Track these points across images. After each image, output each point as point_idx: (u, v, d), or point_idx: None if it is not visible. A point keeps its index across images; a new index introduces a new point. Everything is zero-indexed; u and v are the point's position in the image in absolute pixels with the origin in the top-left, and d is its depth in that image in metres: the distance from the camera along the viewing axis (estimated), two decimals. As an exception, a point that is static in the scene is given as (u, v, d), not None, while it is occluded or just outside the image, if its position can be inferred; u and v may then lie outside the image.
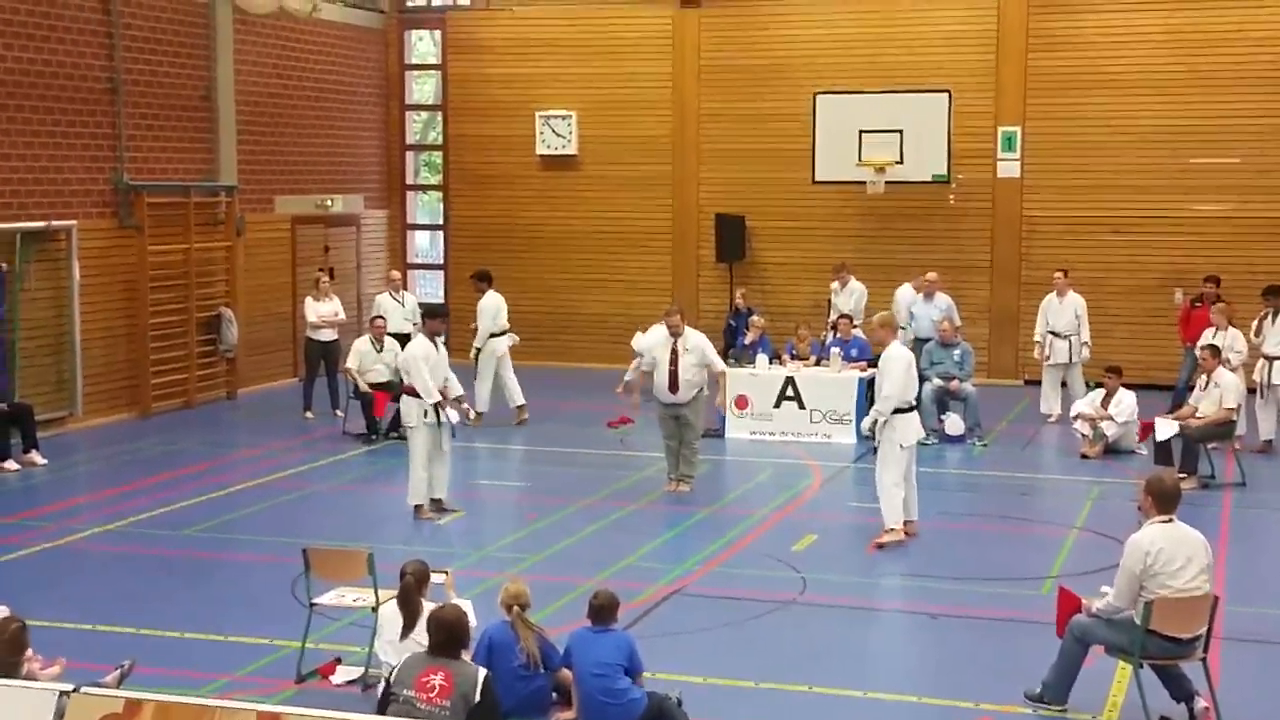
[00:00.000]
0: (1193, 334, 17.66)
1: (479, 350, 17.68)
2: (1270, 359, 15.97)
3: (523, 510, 13.38)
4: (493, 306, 17.78)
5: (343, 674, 8.86)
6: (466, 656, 8.26)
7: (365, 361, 16.89)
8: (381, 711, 6.82)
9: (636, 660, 8.19)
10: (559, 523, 13.00)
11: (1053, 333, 18.02)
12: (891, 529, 12.14)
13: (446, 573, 9.03)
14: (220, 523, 13.01)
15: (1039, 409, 18.20)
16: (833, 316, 18.75)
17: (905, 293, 18.55)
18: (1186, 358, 17.82)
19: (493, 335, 17.67)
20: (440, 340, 13.20)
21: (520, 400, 17.67)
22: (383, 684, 7.19)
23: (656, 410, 14.28)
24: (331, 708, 6.73)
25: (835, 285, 19.47)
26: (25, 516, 13.17)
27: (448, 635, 7.07)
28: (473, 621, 8.53)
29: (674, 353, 13.90)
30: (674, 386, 13.88)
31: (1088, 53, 20.79)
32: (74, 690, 4.64)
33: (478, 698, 6.87)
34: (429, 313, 13.48)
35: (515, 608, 8.23)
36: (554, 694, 8.39)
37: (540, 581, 10.93)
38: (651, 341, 14.35)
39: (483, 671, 7.18)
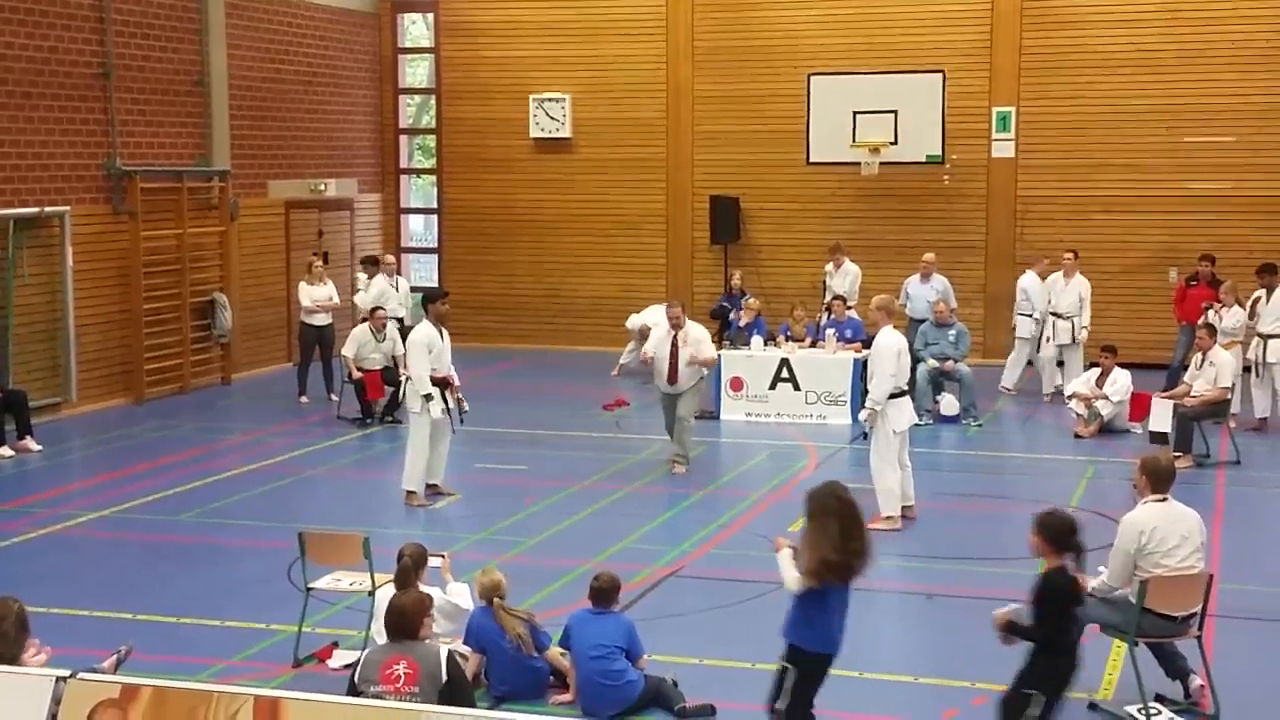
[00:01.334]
0: (1188, 312, 17.69)
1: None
2: (1265, 337, 16.00)
3: (520, 493, 13.39)
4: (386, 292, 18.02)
5: (340, 658, 8.87)
6: (456, 641, 8.28)
7: (364, 350, 16.88)
8: None
9: (636, 643, 8.23)
10: (556, 505, 13.01)
11: (1055, 313, 17.99)
12: (889, 516, 12.13)
13: (444, 556, 9.04)
14: (216, 508, 13.01)
15: (1039, 388, 18.20)
16: (828, 298, 18.74)
17: (1030, 280, 18.26)
18: (1182, 336, 17.85)
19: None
20: (443, 325, 13.03)
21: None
22: (348, 683, 7.15)
23: (657, 396, 14.59)
24: (329, 692, 6.75)
25: (830, 266, 19.47)
26: (20, 503, 13.17)
27: (406, 621, 7.04)
28: (469, 605, 8.58)
29: (674, 345, 14.09)
30: (673, 377, 14.12)
31: (1082, 32, 20.76)
32: (70, 676, 4.63)
33: (444, 676, 6.88)
34: (430, 297, 13.13)
35: (494, 599, 8.26)
36: (550, 676, 8.42)
37: (537, 564, 10.97)
38: (652, 323, 14.57)
39: (444, 649, 7.19)
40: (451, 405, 12.95)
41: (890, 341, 12.22)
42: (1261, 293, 16.24)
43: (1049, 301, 18.07)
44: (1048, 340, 18.07)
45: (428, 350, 12.64)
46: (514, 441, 15.81)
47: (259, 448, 15.54)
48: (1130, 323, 19.98)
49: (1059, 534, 6.85)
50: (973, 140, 20.99)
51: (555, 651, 8.37)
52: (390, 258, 20.31)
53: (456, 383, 13.05)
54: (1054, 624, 6.77)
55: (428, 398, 12.62)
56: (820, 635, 6.98)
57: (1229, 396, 14.93)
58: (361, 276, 18.82)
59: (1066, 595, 6.80)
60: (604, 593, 8.29)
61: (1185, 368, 16.67)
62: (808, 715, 7.08)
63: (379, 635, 8.28)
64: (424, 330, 12.79)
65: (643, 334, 19.75)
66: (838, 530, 6.88)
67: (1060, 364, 18.15)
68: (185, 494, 13.52)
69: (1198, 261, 18.08)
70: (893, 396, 12.14)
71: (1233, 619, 9.41)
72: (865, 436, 12.82)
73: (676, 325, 14.16)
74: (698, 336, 14.25)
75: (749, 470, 14.83)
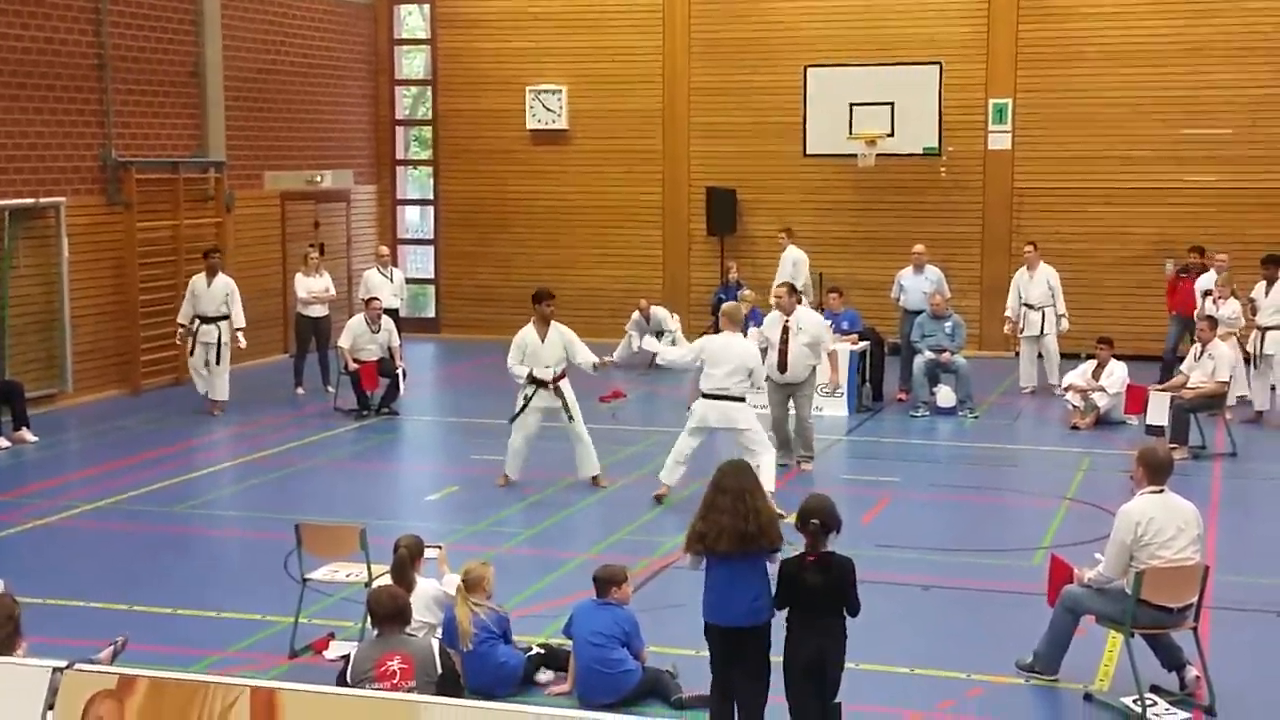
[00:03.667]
0: (1178, 303, 17.80)
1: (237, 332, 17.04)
2: (1264, 329, 15.99)
3: (516, 485, 13.38)
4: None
5: (336, 649, 8.84)
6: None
7: (359, 341, 16.83)
8: None
9: (637, 635, 8.24)
10: (552, 497, 13.01)
11: (1027, 305, 18.03)
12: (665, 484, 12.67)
13: (440, 547, 9.04)
14: (212, 499, 13.01)
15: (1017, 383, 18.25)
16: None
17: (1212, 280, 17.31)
18: (1172, 326, 17.95)
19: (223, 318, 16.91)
20: (549, 324, 13.18)
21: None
22: (337, 679, 7.13)
23: (768, 387, 13.94)
24: (325, 683, 6.74)
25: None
26: (16, 494, 13.16)
27: (389, 614, 7.04)
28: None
29: (785, 331, 13.69)
30: (783, 366, 13.69)
31: (1079, 24, 20.75)
32: (67, 667, 4.62)
33: (438, 669, 6.89)
34: (535, 297, 13.44)
35: (459, 583, 8.26)
36: (537, 670, 8.39)
37: (535, 556, 10.98)
38: (767, 323, 14.28)
39: (434, 640, 7.21)
40: (538, 403, 13.15)
41: (725, 341, 12.46)
42: (1262, 284, 16.23)
43: (1020, 295, 18.09)
44: (1021, 332, 18.11)
45: (520, 349, 13.12)
46: (510, 433, 15.80)
47: (255, 439, 15.53)
48: (1126, 314, 19.99)
49: (799, 519, 7.26)
50: (969, 132, 20.99)
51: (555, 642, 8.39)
52: (385, 249, 20.29)
53: (552, 379, 13.16)
54: (778, 603, 7.18)
55: (538, 385, 13.06)
56: (705, 602, 7.28)
57: (1226, 389, 14.95)
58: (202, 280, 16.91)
59: (779, 577, 7.16)
60: (604, 583, 8.33)
61: (1179, 358, 16.72)
62: (718, 685, 7.33)
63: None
64: (522, 331, 13.26)
65: (639, 326, 19.78)
66: (708, 502, 7.21)
67: (1040, 356, 18.14)
68: (181, 485, 13.51)
69: (1188, 253, 18.11)
70: (724, 399, 12.33)
71: (1229, 610, 9.42)
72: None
73: (785, 310, 13.74)
74: (812, 322, 13.83)
75: (745, 462, 14.80)
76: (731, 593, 7.16)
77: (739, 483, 7.21)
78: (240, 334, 17.07)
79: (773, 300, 14.19)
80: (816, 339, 13.74)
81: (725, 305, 13.46)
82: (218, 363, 16.84)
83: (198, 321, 16.85)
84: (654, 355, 13.64)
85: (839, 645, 7.20)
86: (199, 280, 16.95)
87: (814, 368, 13.86)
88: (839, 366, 14.62)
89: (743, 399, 12.46)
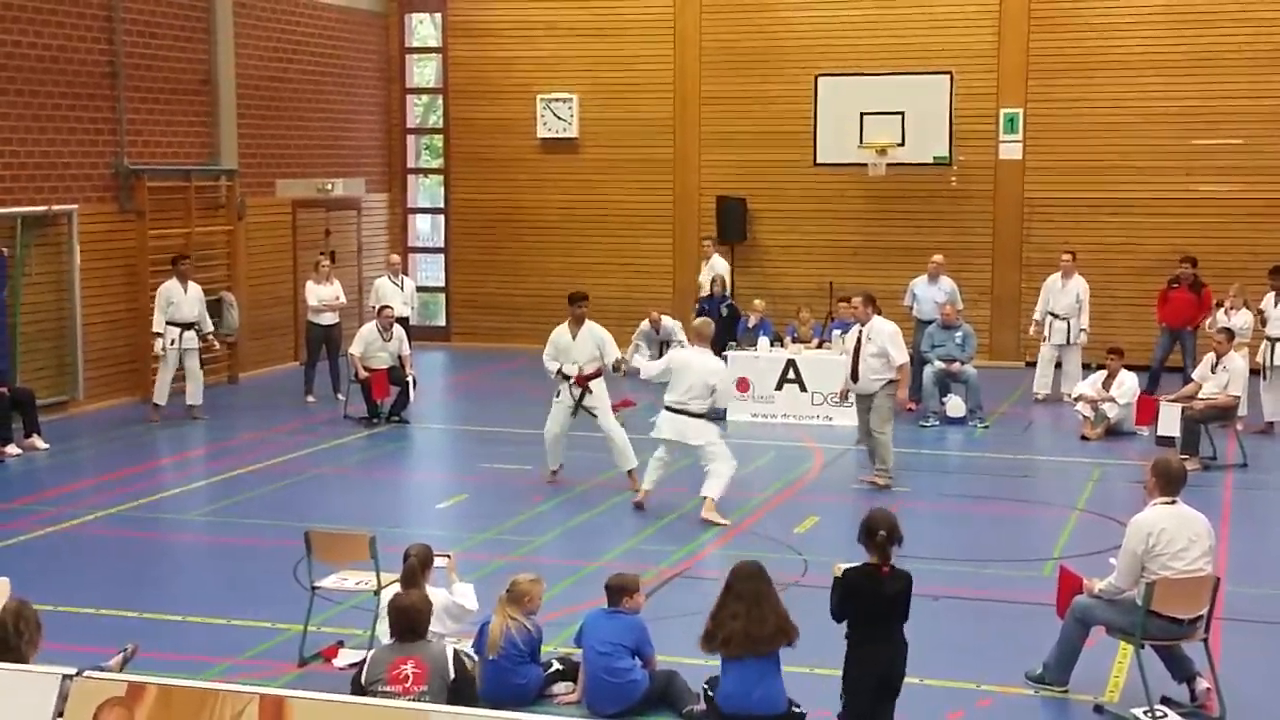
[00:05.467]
0: (1169, 315, 17.79)
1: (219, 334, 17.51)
2: (1274, 340, 15.95)
3: (526, 493, 13.40)
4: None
5: (345, 657, 8.87)
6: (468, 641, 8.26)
7: (370, 349, 16.86)
8: None
9: (647, 643, 8.23)
10: (562, 505, 13.02)
11: (1052, 313, 18.03)
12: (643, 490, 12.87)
13: (449, 556, 9.04)
14: (222, 506, 13.03)
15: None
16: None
17: None
18: (1162, 338, 17.96)
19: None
20: (582, 325, 13.53)
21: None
22: (352, 683, 7.15)
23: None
24: (334, 691, 6.75)
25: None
26: (27, 501, 13.19)
27: (411, 621, 7.07)
28: (474, 605, 8.58)
29: (858, 340, 13.66)
30: (855, 375, 13.65)
31: (1090, 34, 20.75)
32: (77, 674, 4.64)
33: (452, 674, 6.89)
34: (569, 298, 13.85)
35: (502, 593, 8.25)
36: (552, 685, 8.38)
37: (544, 564, 10.96)
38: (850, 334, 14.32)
39: (449, 647, 7.20)
40: (568, 400, 13.49)
41: (693, 357, 12.65)
42: (1271, 295, 16.20)
43: (1048, 302, 18.11)
44: (1045, 339, 18.13)
45: (553, 345, 13.65)
46: (520, 441, 15.79)
47: (265, 446, 15.55)
48: (1137, 325, 19.92)
49: (861, 533, 7.35)
50: (980, 142, 20.97)
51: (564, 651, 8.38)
52: (395, 257, 20.32)
53: (579, 378, 13.50)
54: (839, 615, 7.27)
55: (570, 384, 13.48)
56: (721, 692, 7.58)
57: (1238, 402, 14.91)
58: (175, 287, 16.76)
59: (847, 589, 7.22)
60: (615, 592, 8.32)
61: (1165, 370, 16.68)
62: None
63: (384, 635, 8.29)
64: (556, 329, 13.74)
65: (647, 337, 19.73)
66: (721, 603, 7.50)
67: (1058, 365, 18.14)
68: (191, 492, 13.53)
69: (1179, 263, 18.08)
70: (681, 413, 12.48)
71: (1239, 622, 9.40)
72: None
73: (859, 320, 13.70)
74: (882, 331, 13.54)
75: (755, 471, 14.79)
76: (748, 687, 7.39)
77: (753, 587, 7.42)
78: (213, 337, 17.48)
79: (850, 312, 14.48)
80: (882, 350, 13.46)
81: (695, 321, 13.76)
82: (199, 368, 17.04)
83: (175, 329, 16.81)
84: (639, 369, 13.76)
85: (904, 653, 7.31)
86: (173, 288, 16.84)
87: (889, 383, 13.51)
88: (905, 382, 13.98)
89: (701, 415, 12.57)
